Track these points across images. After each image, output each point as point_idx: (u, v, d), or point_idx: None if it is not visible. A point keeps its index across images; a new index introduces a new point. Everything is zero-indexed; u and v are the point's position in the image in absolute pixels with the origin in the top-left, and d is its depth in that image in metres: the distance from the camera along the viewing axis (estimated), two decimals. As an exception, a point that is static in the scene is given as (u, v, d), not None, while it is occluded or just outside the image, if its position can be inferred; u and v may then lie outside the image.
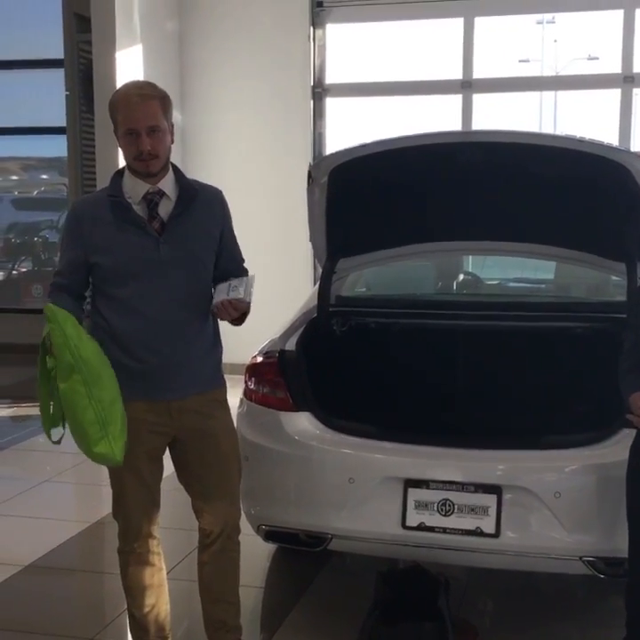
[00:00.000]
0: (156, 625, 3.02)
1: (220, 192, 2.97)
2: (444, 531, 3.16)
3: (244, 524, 3.14)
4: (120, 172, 2.85)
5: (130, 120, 2.71)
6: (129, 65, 7.24)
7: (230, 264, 2.94)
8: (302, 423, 3.39)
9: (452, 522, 3.15)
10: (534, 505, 3.10)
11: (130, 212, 2.78)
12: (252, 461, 3.36)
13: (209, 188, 2.95)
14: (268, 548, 3.99)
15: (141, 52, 7.43)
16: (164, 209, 2.81)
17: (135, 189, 2.79)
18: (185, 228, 2.81)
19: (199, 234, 2.86)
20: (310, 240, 3.84)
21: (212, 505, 2.94)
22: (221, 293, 2.77)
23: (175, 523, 3.79)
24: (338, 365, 3.86)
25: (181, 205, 2.82)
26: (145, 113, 2.70)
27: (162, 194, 2.80)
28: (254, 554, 3.49)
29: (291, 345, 3.58)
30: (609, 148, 3.34)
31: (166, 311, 2.79)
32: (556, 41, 13.31)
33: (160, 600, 3.03)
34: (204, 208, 2.87)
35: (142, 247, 2.76)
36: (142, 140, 2.70)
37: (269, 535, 3.50)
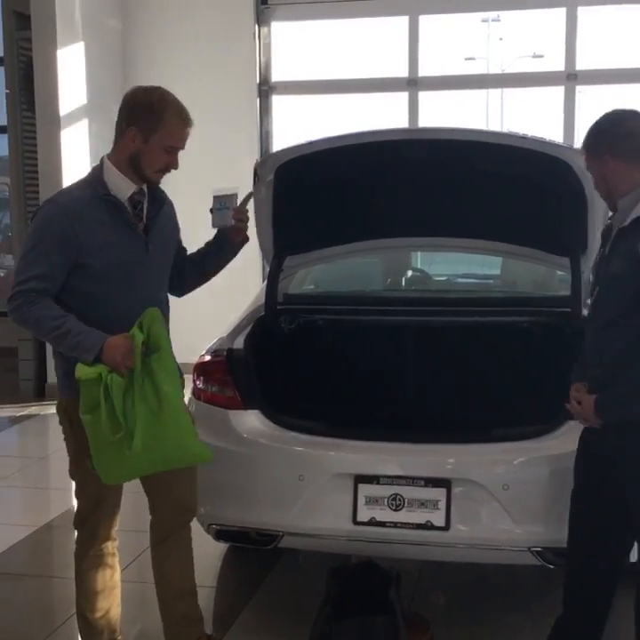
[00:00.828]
0: (109, 627, 3.03)
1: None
2: (395, 525, 3.17)
3: (194, 523, 3.13)
4: (98, 168, 2.81)
5: (177, 138, 2.76)
6: (70, 63, 7.14)
7: (181, 254, 3.05)
8: (251, 421, 3.38)
9: (403, 516, 3.17)
10: (483, 497, 3.13)
11: (123, 212, 2.77)
12: (202, 460, 3.34)
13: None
14: (219, 547, 3.98)
15: (83, 49, 7.33)
16: (144, 210, 2.84)
17: (121, 189, 2.77)
18: (161, 228, 2.88)
19: (170, 234, 2.96)
20: (257, 238, 3.83)
21: (173, 489, 2.93)
22: (224, 218, 2.91)
23: (124, 525, 3.75)
24: (286, 363, 3.85)
25: (156, 206, 2.87)
26: (187, 135, 2.78)
27: (144, 194, 2.84)
28: (205, 553, 3.46)
29: (239, 343, 3.57)
30: (551, 144, 3.38)
31: (144, 308, 2.77)
32: (501, 39, 13.48)
33: (115, 602, 3.04)
34: (167, 209, 2.95)
35: (133, 248, 2.78)
36: (175, 159, 2.77)
37: (220, 534, 3.48)
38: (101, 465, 2.69)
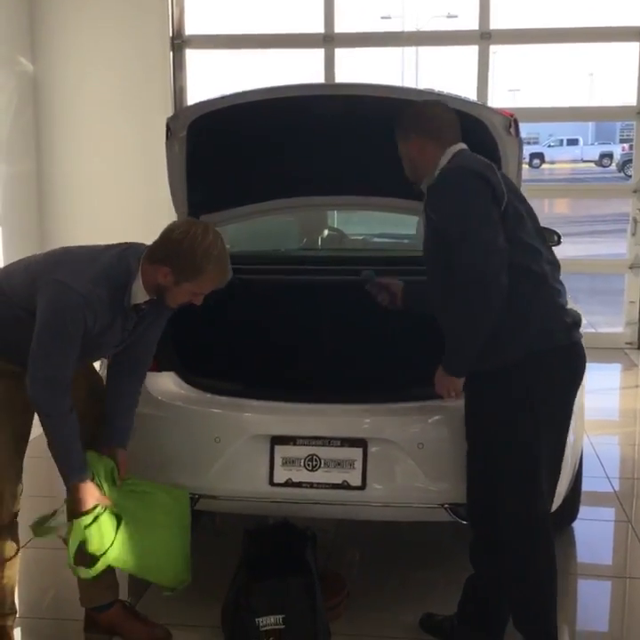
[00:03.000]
0: (11, 596, 3.01)
1: None
2: (311, 485, 3.17)
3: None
4: (133, 271, 2.72)
5: (207, 289, 2.74)
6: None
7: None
8: (166, 383, 3.32)
9: (319, 476, 3.17)
10: (399, 456, 3.15)
11: (128, 320, 2.78)
12: (115, 424, 3.28)
13: None
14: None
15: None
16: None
17: (137, 296, 2.75)
18: (143, 330, 2.89)
19: (144, 331, 2.93)
20: (171, 196, 3.75)
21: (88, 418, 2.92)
22: None
23: (36, 490, 3.68)
24: (201, 323, 3.79)
25: (153, 313, 2.86)
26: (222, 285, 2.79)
27: (152, 301, 2.80)
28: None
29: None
30: (466, 102, 3.38)
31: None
32: (416, -3, 13.48)
33: (16, 569, 3.01)
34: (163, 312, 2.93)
35: (105, 345, 2.82)
36: (201, 299, 2.77)
37: (135, 498, 3.43)
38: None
